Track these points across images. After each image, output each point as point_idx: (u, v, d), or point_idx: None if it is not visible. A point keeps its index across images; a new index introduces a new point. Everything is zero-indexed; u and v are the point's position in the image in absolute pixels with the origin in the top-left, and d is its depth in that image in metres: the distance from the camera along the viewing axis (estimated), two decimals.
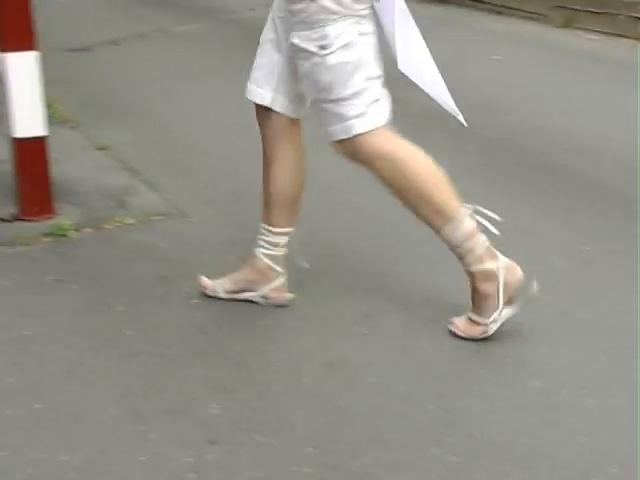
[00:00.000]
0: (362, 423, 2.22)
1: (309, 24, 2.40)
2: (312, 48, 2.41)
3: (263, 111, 2.65)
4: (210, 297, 2.83)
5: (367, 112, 2.44)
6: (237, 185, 3.85)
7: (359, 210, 3.53)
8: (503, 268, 2.51)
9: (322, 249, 3.17)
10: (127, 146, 4.45)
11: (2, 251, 3.22)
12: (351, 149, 2.51)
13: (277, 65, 2.59)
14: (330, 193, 3.66)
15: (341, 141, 2.51)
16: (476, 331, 2.54)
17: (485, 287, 2.51)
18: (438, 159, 2.55)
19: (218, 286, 2.82)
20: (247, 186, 3.85)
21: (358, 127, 2.45)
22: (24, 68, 3.27)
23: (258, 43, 2.66)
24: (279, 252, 2.75)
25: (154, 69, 6.13)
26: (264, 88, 2.61)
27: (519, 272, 2.53)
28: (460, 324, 2.57)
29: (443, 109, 2.54)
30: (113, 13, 8.16)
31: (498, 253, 2.53)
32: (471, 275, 2.52)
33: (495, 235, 2.54)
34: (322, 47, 2.39)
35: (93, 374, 2.46)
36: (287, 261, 2.77)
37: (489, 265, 2.50)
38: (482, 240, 2.50)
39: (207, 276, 2.85)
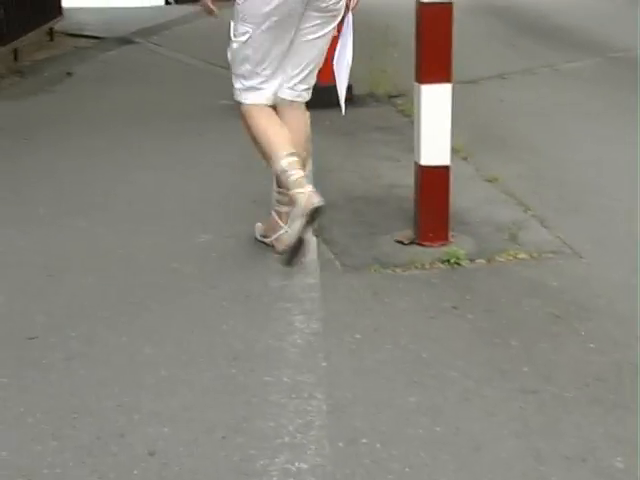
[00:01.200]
0: None
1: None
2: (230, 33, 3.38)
3: None
4: (609, 343, 2.74)
5: (244, 91, 3.39)
6: (635, 230, 3.70)
7: None
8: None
9: None
10: (515, 180, 4.46)
11: (399, 273, 3.36)
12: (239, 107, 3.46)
13: None
14: None
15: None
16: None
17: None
18: None
19: None
20: None
21: (238, 97, 3.44)
22: (438, 99, 3.39)
23: None
24: None
25: (540, 105, 6.11)
26: None
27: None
28: None
29: None
30: (502, 47, 8.26)
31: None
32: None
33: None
34: (233, 35, 3.36)
35: (490, 405, 2.46)
36: None
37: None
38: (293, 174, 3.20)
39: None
